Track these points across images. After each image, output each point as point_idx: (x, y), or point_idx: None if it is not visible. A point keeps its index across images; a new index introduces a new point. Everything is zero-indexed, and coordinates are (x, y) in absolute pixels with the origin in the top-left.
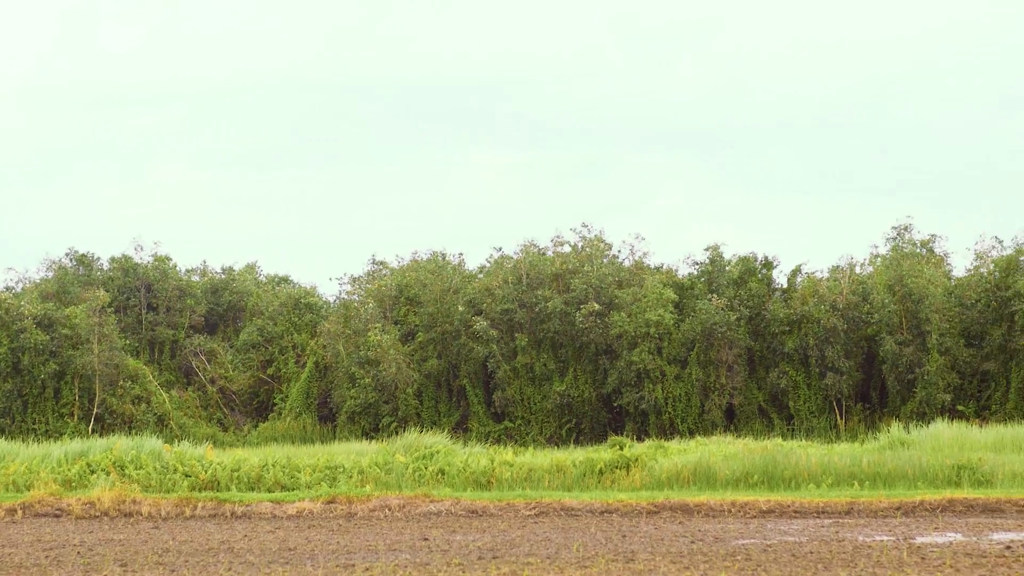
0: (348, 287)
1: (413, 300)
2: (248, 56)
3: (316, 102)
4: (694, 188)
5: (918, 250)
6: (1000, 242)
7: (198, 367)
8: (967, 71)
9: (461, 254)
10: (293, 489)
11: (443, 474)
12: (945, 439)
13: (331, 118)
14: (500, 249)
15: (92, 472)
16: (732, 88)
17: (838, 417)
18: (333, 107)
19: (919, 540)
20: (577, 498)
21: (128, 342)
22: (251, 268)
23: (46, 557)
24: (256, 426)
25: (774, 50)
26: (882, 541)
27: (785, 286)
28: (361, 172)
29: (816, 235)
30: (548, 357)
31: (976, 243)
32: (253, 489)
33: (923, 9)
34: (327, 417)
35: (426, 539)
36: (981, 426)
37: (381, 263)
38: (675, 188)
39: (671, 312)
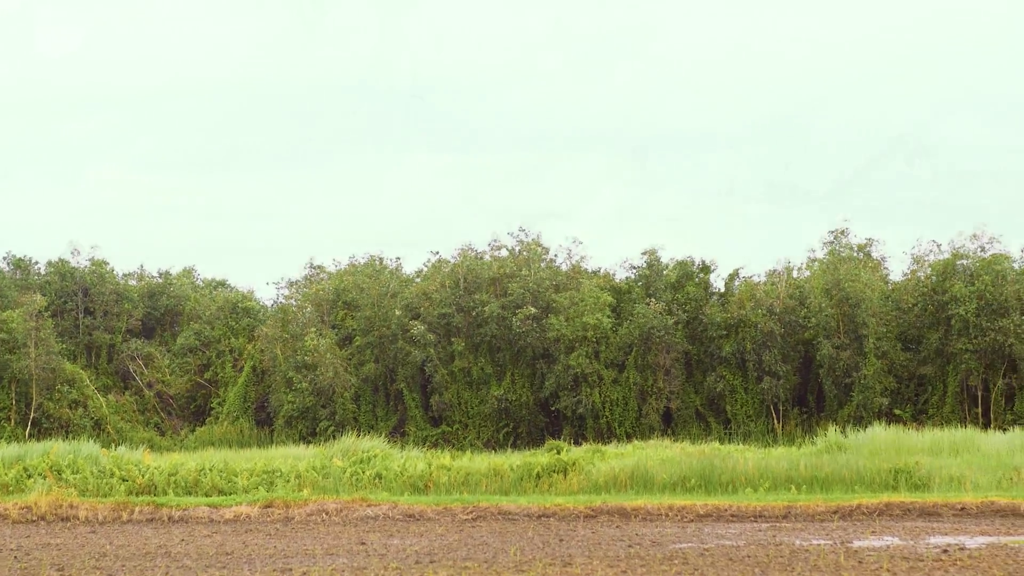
0: (286, 291)
1: (350, 304)
2: (185, 60)
3: (253, 106)
4: (631, 192)
5: (855, 254)
6: (938, 246)
7: (135, 371)
8: (901, 77)
9: (398, 258)
10: (230, 493)
11: (380, 478)
12: (882, 443)
13: (268, 121)
14: (437, 253)
15: (29, 476)
16: (668, 93)
17: (775, 421)
18: (270, 111)
19: (856, 544)
20: (515, 502)
21: (65, 346)
22: (188, 272)
23: None
24: (193, 430)
25: (709, 55)
26: (819, 545)
27: (723, 290)
28: (298, 175)
29: (753, 239)
30: (485, 361)
31: (913, 247)
32: (190, 493)
33: (858, 16)
34: (264, 421)
35: (363, 543)
36: (918, 430)
37: (319, 267)
38: (612, 192)
39: (608, 316)
